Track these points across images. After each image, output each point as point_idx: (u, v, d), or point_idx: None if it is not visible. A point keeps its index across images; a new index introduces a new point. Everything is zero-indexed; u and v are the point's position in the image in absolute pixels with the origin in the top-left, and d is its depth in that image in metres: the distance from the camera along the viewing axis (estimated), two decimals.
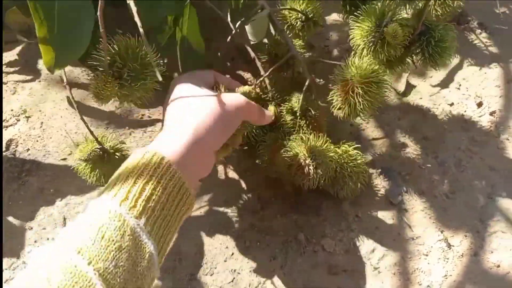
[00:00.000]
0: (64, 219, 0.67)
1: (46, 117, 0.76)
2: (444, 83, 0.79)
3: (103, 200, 0.41)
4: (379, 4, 0.58)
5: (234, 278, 0.61)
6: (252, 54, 0.68)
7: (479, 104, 0.77)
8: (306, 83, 0.63)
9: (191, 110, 0.50)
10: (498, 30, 0.86)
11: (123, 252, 0.39)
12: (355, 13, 0.60)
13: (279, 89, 0.69)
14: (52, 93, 0.79)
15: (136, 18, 0.47)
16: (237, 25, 0.69)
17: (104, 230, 0.39)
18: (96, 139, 0.62)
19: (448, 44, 0.60)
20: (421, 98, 0.78)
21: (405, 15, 0.60)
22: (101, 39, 0.47)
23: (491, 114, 0.75)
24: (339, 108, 0.60)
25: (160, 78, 0.47)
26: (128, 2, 0.48)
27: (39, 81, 0.80)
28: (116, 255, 0.38)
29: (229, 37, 0.68)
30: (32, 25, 0.70)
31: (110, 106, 0.77)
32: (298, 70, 0.72)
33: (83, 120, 0.58)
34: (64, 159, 0.72)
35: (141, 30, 0.47)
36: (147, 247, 0.41)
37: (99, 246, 0.38)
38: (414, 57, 0.63)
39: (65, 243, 0.39)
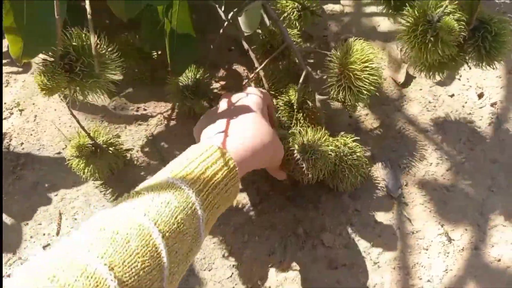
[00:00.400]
0: (60, 214, 0.66)
1: (40, 110, 0.75)
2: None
3: (179, 184, 0.43)
4: None
5: (232, 273, 0.61)
6: (246, 46, 0.67)
7: (480, 95, 0.76)
8: (303, 74, 0.62)
9: (264, 134, 0.53)
10: None
11: (186, 236, 0.41)
12: (401, 11, 0.55)
13: (275, 80, 0.67)
14: None
15: (89, 14, 0.45)
16: (229, 16, 0.67)
17: (178, 212, 0.41)
18: (88, 134, 0.60)
19: (506, 38, 0.55)
20: (421, 89, 0.77)
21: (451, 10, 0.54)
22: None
23: (492, 105, 0.74)
24: (335, 97, 0.59)
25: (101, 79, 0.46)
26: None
27: (32, 74, 0.79)
28: (181, 237, 0.41)
29: (222, 29, 0.67)
30: None
31: (105, 100, 0.75)
32: (294, 60, 0.71)
33: (74, 116, 0.57)
34: (59, 153, 0.71)
35: (90, 24, 0.45)
36: (201, 241, 0.44)
37: (171, 223, 0.40)
38: (466, 56, 0.58)
39: (142, 208, 0.40)
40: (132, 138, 0.72)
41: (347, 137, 0.64)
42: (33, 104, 0.75)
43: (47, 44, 0.48)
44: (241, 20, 0.65)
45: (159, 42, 0.63)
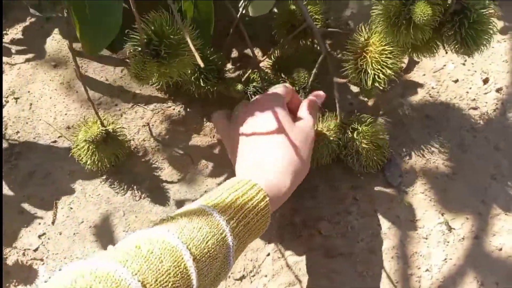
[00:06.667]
0: (56, 203, 0.65)
1: (35, 98, 0.74)
2: (449, 59, 0.76)
3: (211, 211, 0.45)
4: None
5: None
6: (245, 33, 0.65)
7: (485, 81, 0.73)
8: (321, 56, 0.62)
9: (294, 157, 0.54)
10: (507, 1, 0.81)
11: (216, 261, 0.44)
12: None
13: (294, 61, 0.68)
14: (40, 73, 0.76)
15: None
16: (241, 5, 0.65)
17: (209, 237, 0.43)
18: (101, 121, 0.62)
19: (485, 28, 0.50)
20: (424, 75, 0.75)
21: None
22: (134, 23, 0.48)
23: (498, 91, 0.72)
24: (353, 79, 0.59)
25: (195, 53, 0.47)
26: None
27: (28, 62, 0.78)
28: (210, 262, 0.43)
29: (237, 19, 0.65)
30: (42, 0, 0.69)
31: (100, 87, 0.74)
32: (314, 40, 0.71)
33: (91, 101, 0.60)
34: (55, 141, 0.70)
35: (172, 5, 0.48)
36: (229, 267, 0.46)
37: (202, 248, 0.42)
38: (444, 40, 0.54)
39: (175, 231, 0.42)
40: (128, 126, 0.71)
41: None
42: (29, 92, 0.75)
43: (110, 37, 0.53)
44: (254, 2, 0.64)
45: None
